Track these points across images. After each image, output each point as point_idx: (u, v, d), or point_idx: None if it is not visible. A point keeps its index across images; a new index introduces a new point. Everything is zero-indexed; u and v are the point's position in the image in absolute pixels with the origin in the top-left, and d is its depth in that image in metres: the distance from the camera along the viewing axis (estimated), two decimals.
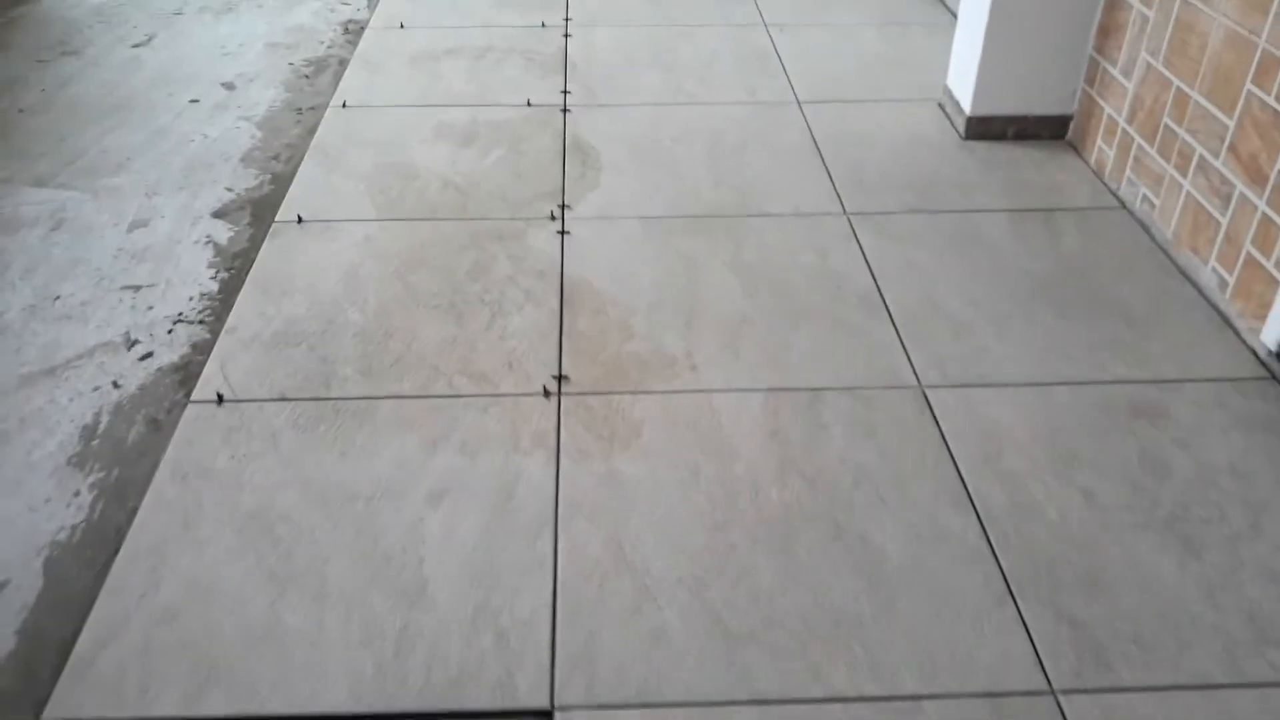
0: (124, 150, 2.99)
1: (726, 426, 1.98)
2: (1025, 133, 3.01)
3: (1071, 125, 2.99)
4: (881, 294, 2.36)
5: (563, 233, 2.59)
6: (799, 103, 3.24)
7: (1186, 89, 2.41)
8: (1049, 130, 3.01)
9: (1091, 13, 2.82)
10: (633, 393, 2.06)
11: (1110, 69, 2.77)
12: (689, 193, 2.76)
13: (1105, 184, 2.78)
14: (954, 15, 3.84)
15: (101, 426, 1.99)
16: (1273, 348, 2.09)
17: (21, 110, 3.22)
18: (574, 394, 2.06)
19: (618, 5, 3.98)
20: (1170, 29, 2.47)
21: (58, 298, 2.36)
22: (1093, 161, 2.87)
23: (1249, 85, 2.17)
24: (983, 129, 3.01)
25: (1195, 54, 2.37)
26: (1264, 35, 2.12)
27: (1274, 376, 2.10)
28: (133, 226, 2.63)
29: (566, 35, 3.71)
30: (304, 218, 2.63)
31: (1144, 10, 2.59)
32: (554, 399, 2.05)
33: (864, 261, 2.47)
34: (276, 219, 2.64)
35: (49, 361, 2.16)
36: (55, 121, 3.16)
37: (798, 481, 1.85)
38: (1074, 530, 1.75)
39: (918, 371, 2.12)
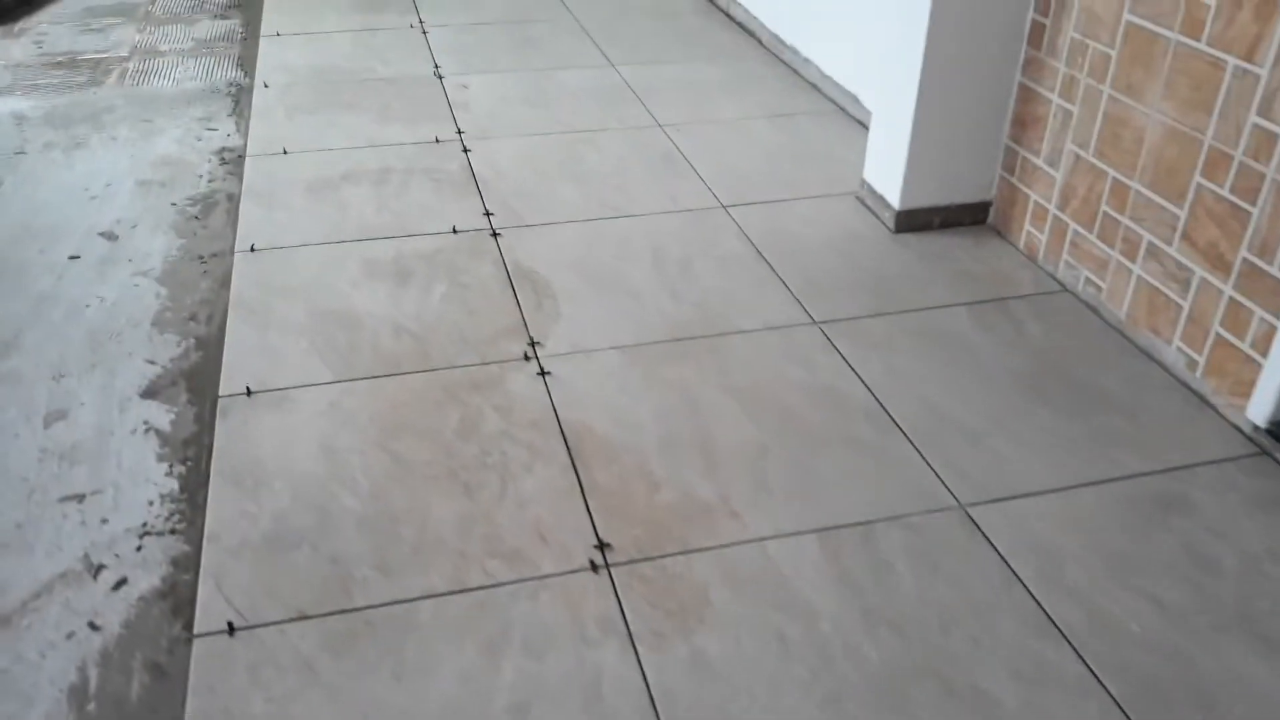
0: (6, 324, 2.64)
1: (792, 579, 1.90)
2: (949, 221, 3.12)
3: (992, 210, 3.12)
4: (883, 406, 2.35)
5: (543, 374, 2.45)
6: (724, 207, 3.24)
7: (1125, 180, 2.55)
8: (971, 216, 3.13)
9: (1005, 106, 2.96)
10: (683, 553, 1.95)
11: (1032, 158, 2.90)
12: (653, 314, 2.69)
13: (1042, 267, 2.91)
14: (832, 101, 3.97)
15: (93, 685, 1.70)
16: (1261, 424, 2.22)
17: None
18: (623, 564, 1.93)
19: (504, 114, 3.88)
20: (1099, 123, 2.62)
21: None
22: (1022, 245, 2.99)
23: (1198, 178, 2.32)
24: (911, 221, 3.09)
25: (1131, 147, 2.52)
26: (1209, 132, 2.27)
27: (1265, 452, 2.22)
28: (49, 420, 2.30)
29: (465, 150, 3.58)
30: (252, 389, 2.38)
31: (1065, 104, 2.73)
32: (604, 573, 1.91)
33: (852, 373, 2.46)
34: (220, 394, 2.37)
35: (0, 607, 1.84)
36: None
37: (887, 632, 1.79)
38: (1161, 642, 1.78)
39: (952, 490, 2.11)
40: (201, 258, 2.94)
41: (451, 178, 3.40)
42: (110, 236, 3.04)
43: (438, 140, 3.65)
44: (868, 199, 3.25)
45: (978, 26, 2.84)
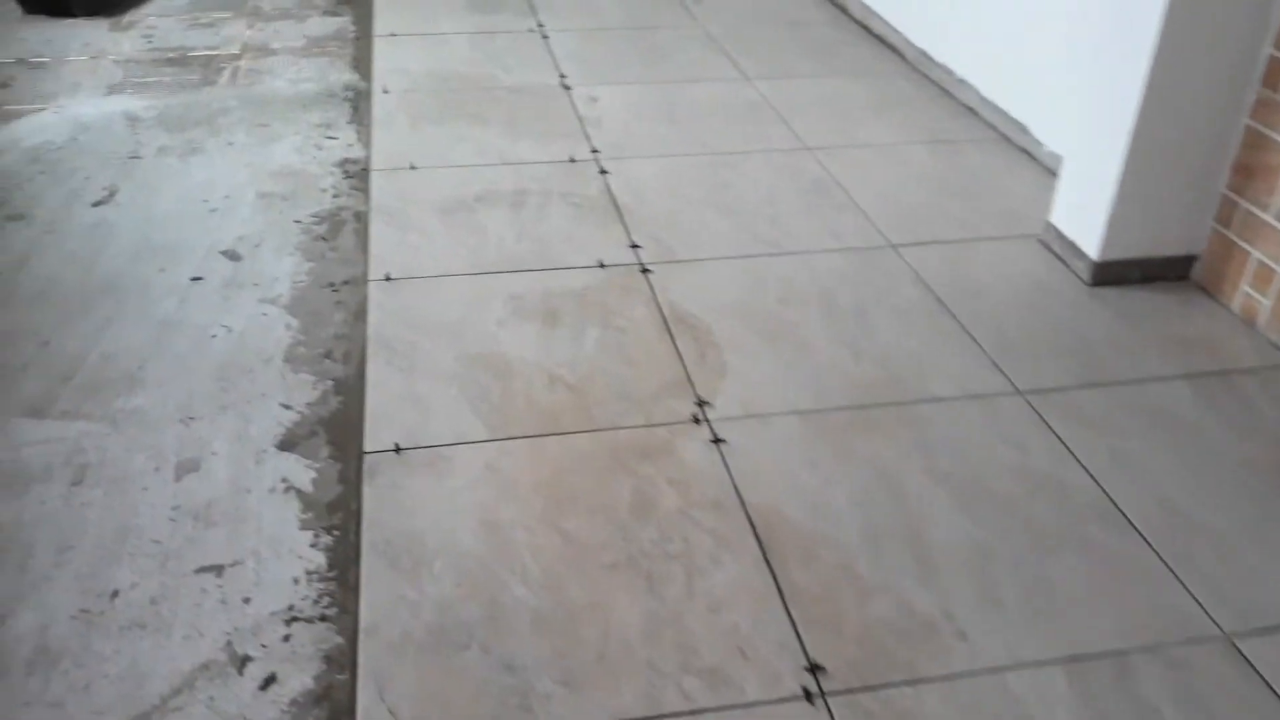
0: (130, 354, 2.43)
1: None
2: (1150, 274, 2.80)
3: (1198, 265, 2.79)
4: (1115, 503, 2.05)
5: (717, 441, 2.19)
6: (893, 246, 2.95)
7: None
8: (1174, 271, 2.81)
9: (1226, 151, 2.63)
10: (909, 683, 1.68)
11: (1257, 211, 2.58)
12: (831, 373, 2.41)
13: (1263, 335, 2.58)
14: (993, 128, 3.65)
15: None
16: None
17: None
18: (840, 693, 1.66)
19: (639, 131, 3.62)
20: None
21: (115, 593, 1.81)
22: (1237, 308, 2.67)
23: None
24: (1108, 274, 2.78)
25: None
26: None
27: None
28: (180, 471, 2.09)
29: (602, 171, 3.33)
30: (401, 445, 2.15)
31: None
32: (820, 704, 1.64)
33: (1073, 459, 2.17)
34: (366, 449, 2.14)
35: (138, 704, 1.62)
36: (28, 318, 2.56)
37: None
38: None
39: (1212, 615, 1.81)
40: (333, 285, 2.72)
41: (591, 203, 3.14)
42: (233, 256, 2.83)
43: (572, 160, 3.40)
44: (1055, 244, 2.94)
45: (1205, 63, 2.52)
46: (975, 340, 2.56)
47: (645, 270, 2.80)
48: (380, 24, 4.57)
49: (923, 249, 2.94)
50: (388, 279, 2.73)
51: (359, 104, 3.79)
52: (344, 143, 3.50)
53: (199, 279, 2.73)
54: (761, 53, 4.36)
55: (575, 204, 3.14)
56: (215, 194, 3.16)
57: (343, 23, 4.62)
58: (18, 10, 4.59)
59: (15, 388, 2.31)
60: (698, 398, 2.32)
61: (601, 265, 2.82)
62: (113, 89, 3.88)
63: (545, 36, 4.47)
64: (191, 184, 3.21)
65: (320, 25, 4.58)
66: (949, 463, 2.15)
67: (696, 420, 2.25)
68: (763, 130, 3.66)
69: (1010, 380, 2.41)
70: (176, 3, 4.82)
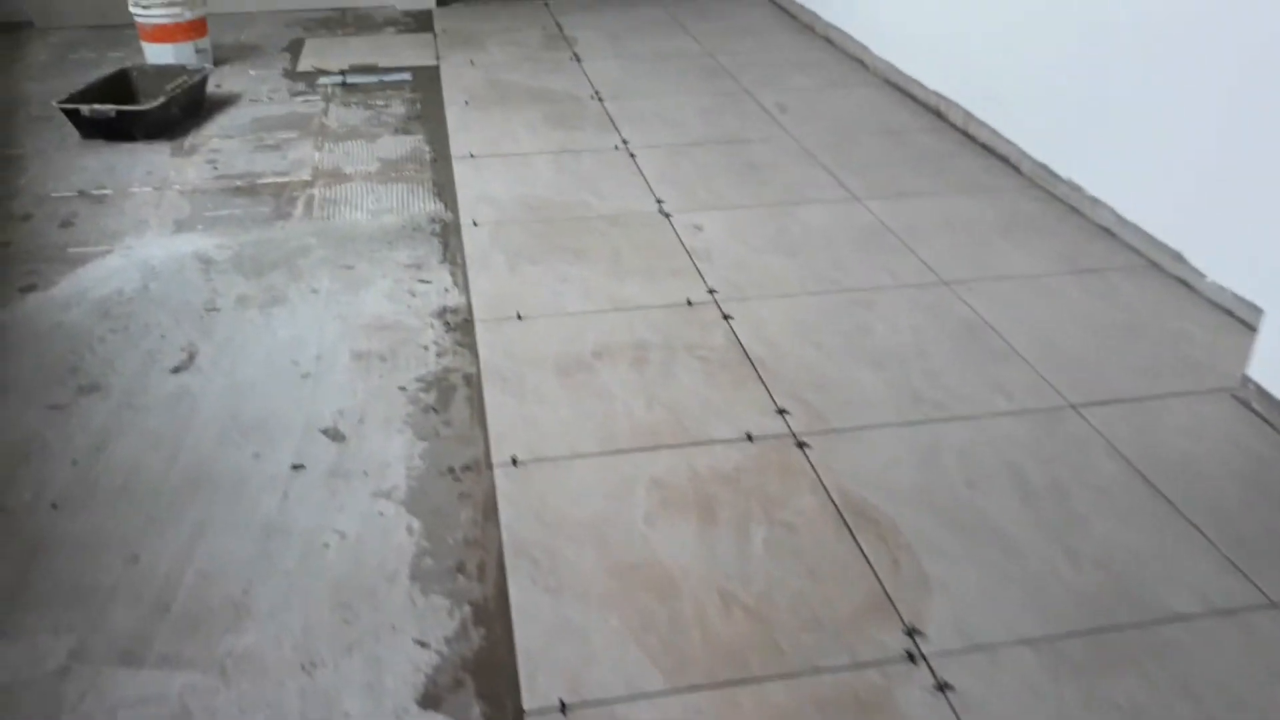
0: (232, 572, 2.10)
1: None
2: None
3: None
4: None
5: (942, 687, 1.83)
6: (1073, 407, 2.61)
7: None
8: None
9: None
10: None
11: None
12: (1051, 583, 2.06)
13: None
14: (1137, 252, 3.32)
15: None
16: None
17: (55, 505, 2.29)
18: None
19: (754, 265, 3.33)
20: None
21: None
22: None
23: None
24: None
25: None
26: None
27: None
28: None
29: (726, 317, 3.02)
30: (566, 701, 1.80)
31: None
32: None
33: None
34: (525, 706, 1.80)
35: None
36: (112, 522, 2.24)
37: None
38: None
39: None
40: (452, 470, 2.40)
41: (720, 356, 2.83)
42: (336, 436, 2.52)
43: (690, 303, 3.10)
44: (1257, 402, 2.59)
45: None
46: (1200, 531, 2.21)
47: (801, 444, 2.47)
48: (456, 144, 4.32)
49: (1105, 409, 2.61)
50: (514, 463, 2.40)
51: (448, 239, 3.52)
52: (439, 287, 3.21)
53: (300, 467, 2.41)
54: (864, 166, 4.08)
55: (702, 358, 2.82)
56: (305, 354, 2.86)
57: (416, 143, 4.37)
58: (75, 135, 4.37)
59: (105, 624, 1.98)
60: (905, 624, 1.97)
61: (749, 438, 2.49)
62: (181, 225, 3.62)
63: (632, 154, 4.21)
64: (277, 342, 2.92)
65: (393, 146, 4.34)
66: (1223, 712, 1.79)
67: (911, 658, 1.90)
68: (889, 260, 3.36)
69: (1258, 587, 2.05)
70: (238, 122, 4.60)
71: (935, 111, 4.66)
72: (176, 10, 5.04)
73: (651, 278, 3.25)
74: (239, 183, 3.98)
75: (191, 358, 2.84)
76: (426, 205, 3.78)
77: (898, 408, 2.62)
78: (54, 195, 3.85)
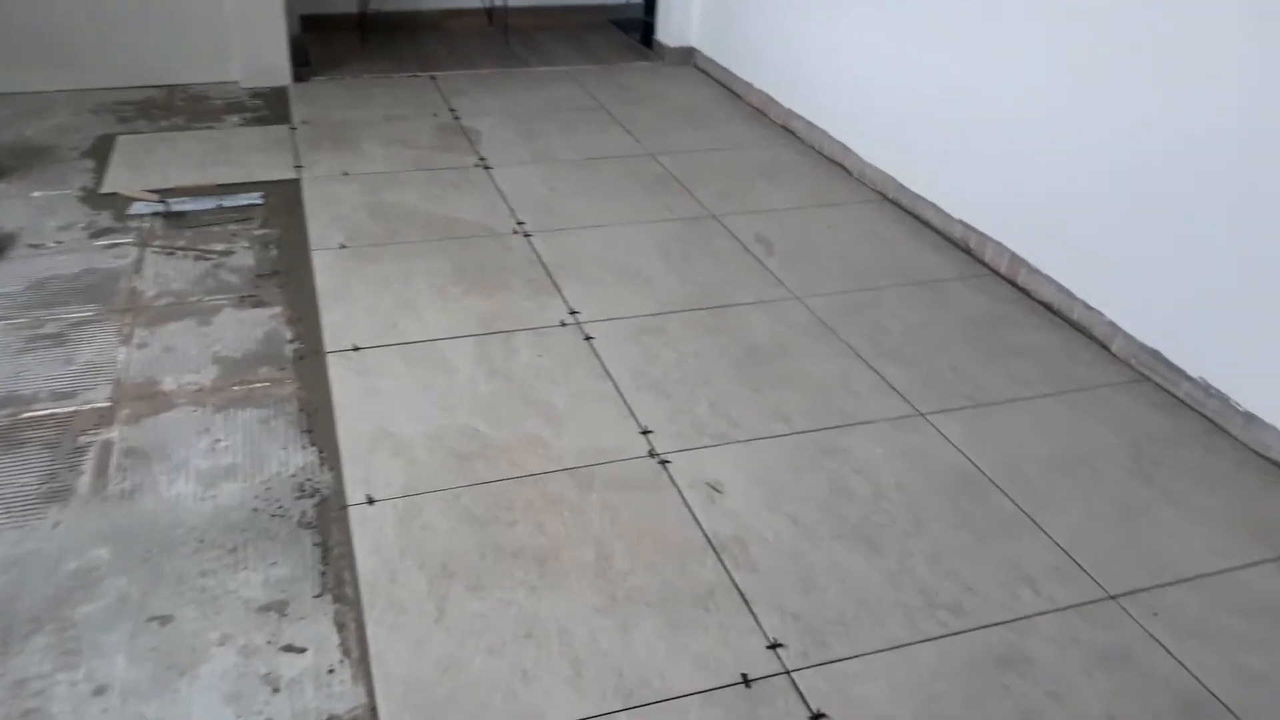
0: None
1: None
2: None
3: None
4: None
5: None
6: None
7: None
8: None
9: None
10: None
11: None
12: None
13: None
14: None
15: None
16: None
17: None
18: None
19: (820, 571, 2.18)
20: None
21: None
22: None
23: None
24: None
25: None
26: None
27: None
28: None
29: (802, 700, 1.84)
30: None
31: None
32: None
33: None
34: None
35: None
36: None
37: None
38: None
39: None
40: None
41: None
42: None
43: (746, 680, 1.90)
44: None
45: None
46: None
47: None
48: (332, 323, 3.01)
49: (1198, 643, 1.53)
50: None
51: (329, 538, 2.22)
52: (318, 665, 1.91)
53: None
54: (908, 349, 2.98)
55: None
56: None
57: (272, 322, 3.03)
58: None
59: None
60: None
61: None
62: None
63: (588, 337, 2.99)
64: None
65: (238, 329, 2.99)
66: None
67: None
68: (1014, 549, 2.24)
69: None
70: (6, 288, 3.16)
71: (963, 248, 3.60)
72: None
73: (671, 618, 2.03)
74: None
75: None
76: (291, 457, 2.47)
77: None
78: None
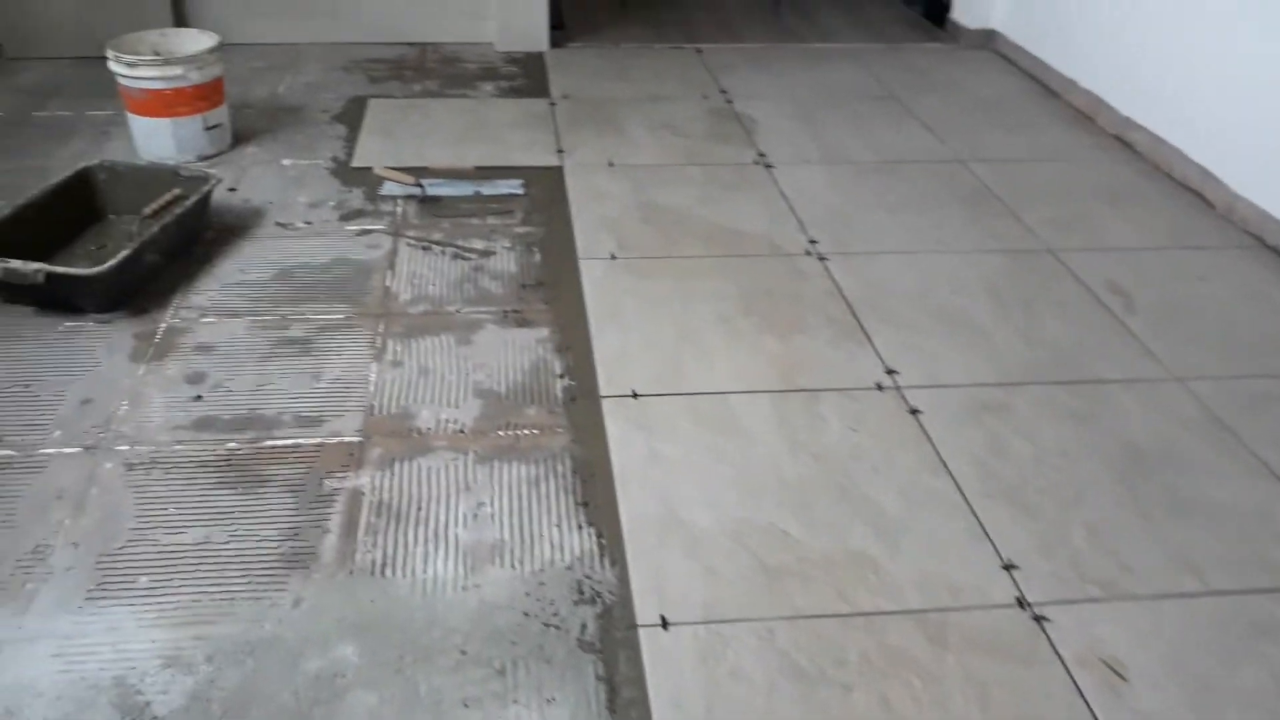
0: None
1: None
2: None
3: None
4: None
5: None
6: None
7: None
8: None
9: None
10: None
11: None
12: None
13: None
14: None
15: None
16: None
17: None
18: None
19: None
20: None
21: None
22: None
23: None
24: None
25: None
26: None
27: None
28: None
29: None
30: None
31: None
32: None
33: None
34: None
35: None
36: None
37: None
38: None
39: None
40: None
41: None
42: None
43: None
44: None
45: None
46: None
47: None
48: (605, 356, 2.56)
49: None
50: None
51: (614, 676, 1.75)
52: None
53: None
54: None
55: None
56: None
57: (538, 347, 2.61)
58: None
59: None
60: None
61: None
62: (105, 583, 1.90)
63: (914, 410, 2.41)
64: None
65: (500, 353, 2.58)
66: None
67: None
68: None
69: None
70: (252, 276, 2.87)
71: None
72: (176, 73, 3.31)
73: None
74: (231, 442, 2.24)
75: None
76: (566, 539, 2.02)
77: None
78: None
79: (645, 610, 1.86)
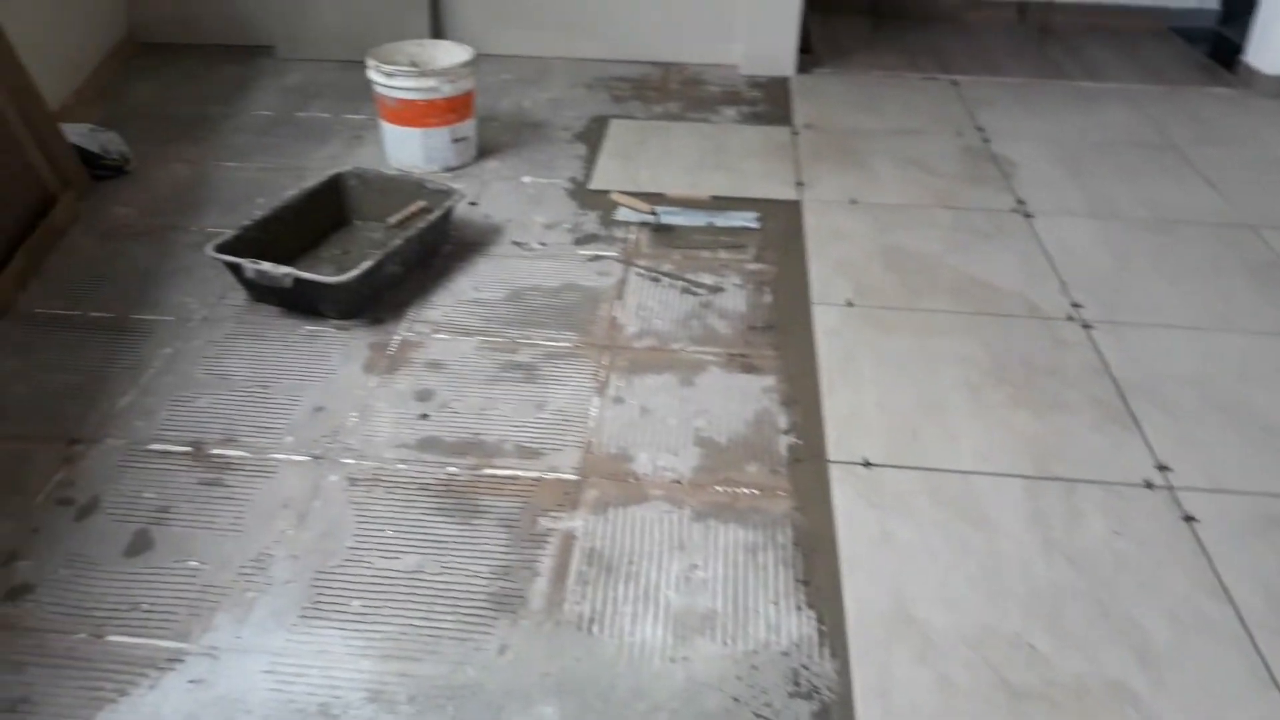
0: None
1: None
2: None
3: None
4: None
5: None
6: None
7: None
8: None
9: None
10: None
11: None
12: None
13: None
14: None
15: None
16: None
17: None
18: None
19: None
20: None
21: None
22: None
23: None
24: None
25: None
26: None
27: None
28: None
29: None
30: None
31: None
32: None
33: None
34: None
35: None
36: None
37: None
38: None
39: None
40: None
41: None
42: None
43: None
44: None
45: None
46: None
47: None
48: (835, 413, 2.39)
49: None
50: None
51: None
52: None
53: None
54: None
55: None
56: None
57: (763, 397, 2.46)
58: (242, 294, 2.79)
59: None
60: None
61: None
62: (319, 602, 1.90)
63: (1189, 518, 2.11)
64: None
65: (723, 400, 2.45)
66: None
67: None
68: None
69: None
70: (485, 294, 2.87)
71: None
72: (430, 85, 3.38)
73: None
74: (452, 467, 2.22)
75: None
76: (784, 620, 1.87)
77: None
78: (145, 448, 2.25)
79: (868, 716, 1.68)
